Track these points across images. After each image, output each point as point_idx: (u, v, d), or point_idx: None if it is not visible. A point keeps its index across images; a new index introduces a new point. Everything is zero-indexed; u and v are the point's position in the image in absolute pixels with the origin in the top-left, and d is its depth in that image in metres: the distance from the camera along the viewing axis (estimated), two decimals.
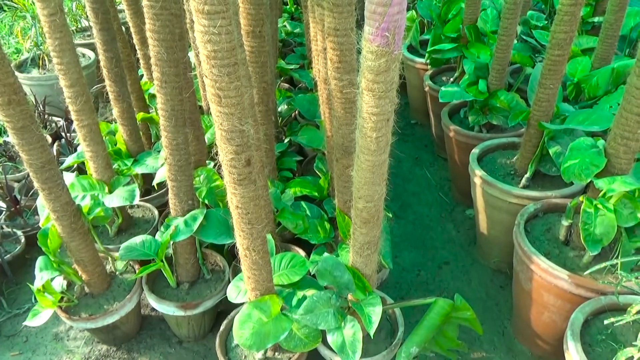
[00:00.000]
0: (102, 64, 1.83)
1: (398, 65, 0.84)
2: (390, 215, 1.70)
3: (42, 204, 1.63)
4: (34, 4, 2.88)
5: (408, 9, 2.99)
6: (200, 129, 1.76)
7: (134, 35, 2.20)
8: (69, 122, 2.73)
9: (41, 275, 1.46)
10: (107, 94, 1.93)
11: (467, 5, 2.28)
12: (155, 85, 1.37)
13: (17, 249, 1.98)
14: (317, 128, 2.09)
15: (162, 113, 1.40)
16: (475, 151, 1.90)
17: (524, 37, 2.45)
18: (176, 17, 1.34)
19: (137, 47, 2.22)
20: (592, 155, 1.32)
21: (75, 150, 2.69)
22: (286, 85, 2.71)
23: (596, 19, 2.49)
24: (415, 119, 3.06)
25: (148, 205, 1.98)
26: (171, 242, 1.54)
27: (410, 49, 2.89)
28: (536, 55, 2.48)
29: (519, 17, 2.03)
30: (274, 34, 2.27)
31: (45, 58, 2.86)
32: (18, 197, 2.15)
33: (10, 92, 1.20)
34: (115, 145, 2.02)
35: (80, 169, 2.13)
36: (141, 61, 2.28)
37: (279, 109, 2.30)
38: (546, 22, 2.64)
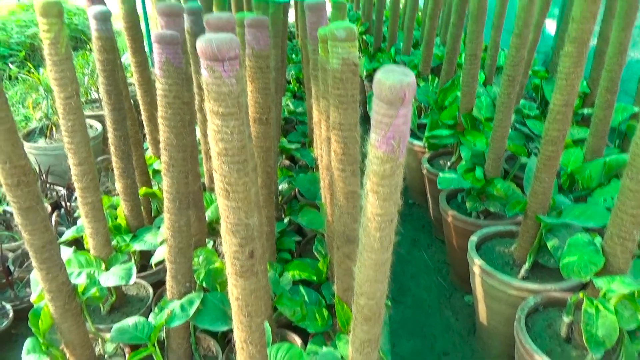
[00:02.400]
0: (110, 141, 1.87)
1: (402, 170, 0.87)
2: (389, 304, 1.68)
3: (36, 279, 1.61)
4: (47, 78, 3.01)
5: None
6: (202, 209, 1.78)
7: (142, 112, 2.28)
8: (70, 191, 2.75)
9: (28, 359, 1.41)
10: (109, 163, 1.96)
11: (463, 95, 2.39)
12: (162, 168, 1.40)
13: (4, 324, 1.92)
14: (317, 209, 2.11)
15: (167, 195, 1.42)
16: (474, 239, 1.91)
17: (517, 126, 2.55)
18: (187, 105, 1.40)
19: (144, 124, 2.30)
20: (590, 253, 1.33)
21: (75, 221, 2.69)
22: (287, 163, 2.77)
23: (585, 111, 2.61)
24: (413, 199, 3.11)
25: (143, 282, 1.95)
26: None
27: None
28: (529, 143, 2.57)
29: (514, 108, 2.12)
30: (277, 116, 2.35)
31: (54, 128, 2.94)
32: (11, 268, 2.12)
33: (20, 173, 1.23)
34: (116, 219, 2.02)
35: (78, 242, 2.11)
36: (148, 137, 2.34)
37: (280, 188, 2.33)
38: (538, 111, 2.76)
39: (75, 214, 2.19)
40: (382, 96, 0.78)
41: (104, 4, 1.90)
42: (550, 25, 3.84)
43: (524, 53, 1.82)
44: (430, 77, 3.10)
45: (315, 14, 1.59)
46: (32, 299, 1.56)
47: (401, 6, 4.13)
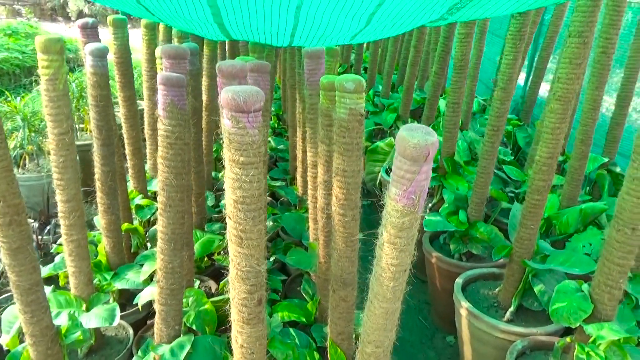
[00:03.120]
0: (96, 176, 1.83)
1: (419, 223, 0.90)
2: None
3: (10, 320, 1.53)
4: (25, 106, 2.93)
5: (387, 136, 3.22)
6: (193, 247, 1.75)
7: (127, 147, 2.25)
8: (42, 224, 2.65)
9: None
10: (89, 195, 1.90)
11: (445, 140, 2.48)
12: (159, 208, 1.38)
13: None
14: (303, 248, 2.11)
15: (162, 236, 1.39)
16: (459, 281, 1.95)
17: (495, 171, 2.65)
18: (187, 145, 1.40)
19: (128, 158, 2.26)
20: (579, 300, 1.38)
21: (45, 254, 2.57)
22: (269, 199, 2.77)
23: (561, 158, 2.75)
24: None
25: (123, 322, 1.87)
26: None
27: (389, 171, 3.06)
28: (506, 187, 2.67)
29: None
30: (265, 154, 2.36)
31: (27, 158, 2.84)
32: None
33: (13, 212, 1.18)
34: (97, 256, 1.96)
35: (53, 279, 2.02)
36: (130, 171, 2.30)
37: None
38: (512, 157, 2.89)
39: (53, 250, 2.10)
40: (407, 154, 0.81)
41: (99, 39, 1.90)
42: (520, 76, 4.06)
43: (508, 106, 1.92)
44: (409, 120, 3.21)
45: (314, 61, 1.64)
46: (3, 341, 1.48)
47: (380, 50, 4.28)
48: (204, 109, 2.34)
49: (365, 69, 4.63)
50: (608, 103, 3.00)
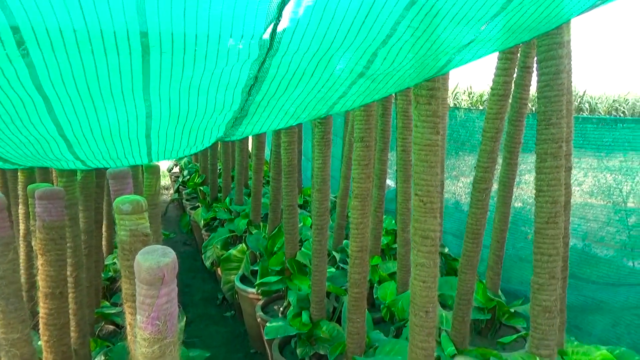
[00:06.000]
0: None
1: (176, 348, 0.85)
2: None
3: None
4: None
5: (239, 243, 3.20)
6: None
7: None
8: None
9: None
10: None
11: (287, 241, 2.53)
12: None
13: None
14: None
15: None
16: None
17: (342, 265, 2.73)
18: None
19: None
20: None
21: None
22: (110, 328, 2.51)
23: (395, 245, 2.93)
24: (255, 347, 3.00)
25: None
26: None
27: (243, 279, 2.99)
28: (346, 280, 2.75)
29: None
30: (94, 277, 2.18)
31: None
32: None
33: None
34: None
35: None
36: None
37: None
38: None
39: None
40: (141, 278, 0.79)
41: None
42: None
43: (327, 205, 2.05)
44: (261, 224, 3.25)
45: (119, 182, 1.61)
46: None
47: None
48: None
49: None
50: None
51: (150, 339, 0.82)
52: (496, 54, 1.69)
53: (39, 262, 1.43)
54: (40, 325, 1.44)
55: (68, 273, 1.58)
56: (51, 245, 1.42)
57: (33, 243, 1.58)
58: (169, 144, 1.31)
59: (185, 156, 5.84)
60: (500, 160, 1.92)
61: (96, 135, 1.07)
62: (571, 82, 1.50)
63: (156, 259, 0.79)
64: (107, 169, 1.65)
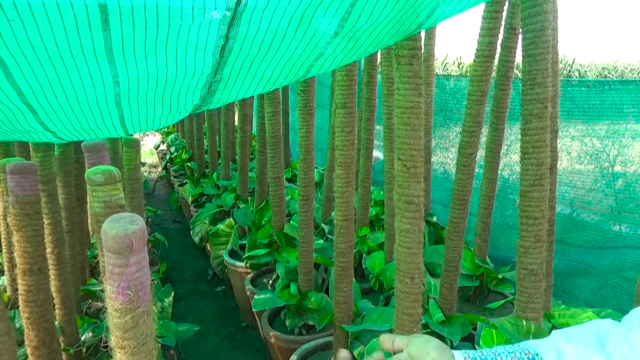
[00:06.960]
0: None
1: (151, 318, 0.83)
2: None
3: None
4: None
5: (227, 217, 3.17)
6: None
7: None
8: None
9: None
10: None
11: (274, 214, 2.50)
12: None
13: None
14: None
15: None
16: (294, 357, 1.88)
17: (330, 237, 2.72)
18: None
19: None
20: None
21: None
22: (99, 305, 2.50)
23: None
24: (246, 321, 3.01)
25: None
26: None
27: (232, 253, 2.98)
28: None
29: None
30: (79, 254, 2.15)
31: None
32: None
33: None
34: None
35: None
36: None
37: (82, 338, 2.06)
38: None
39: None
40: (109, 246, 0.75)
41: None
42: None
43: (312, 175, 2.01)
44: (249, 199, 3.21)
45: (94, 155, 1.56)
46: None
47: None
48: None
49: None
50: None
51: (121, 309, 0.79)
52: (481, 15, 1.65)
53: (15, 238, 1.39)
54: (20, 302, 1.41)
55: (50, 250, 1.55)
56: (26, 220, 1.38)
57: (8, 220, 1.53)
58: (142, 113, 1.26)
59: (164, 127, 5.76)
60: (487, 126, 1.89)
61: (62, 101, 1.02)
62: (557, 40, 1.46)
63: (123, 227, 0.75)
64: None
